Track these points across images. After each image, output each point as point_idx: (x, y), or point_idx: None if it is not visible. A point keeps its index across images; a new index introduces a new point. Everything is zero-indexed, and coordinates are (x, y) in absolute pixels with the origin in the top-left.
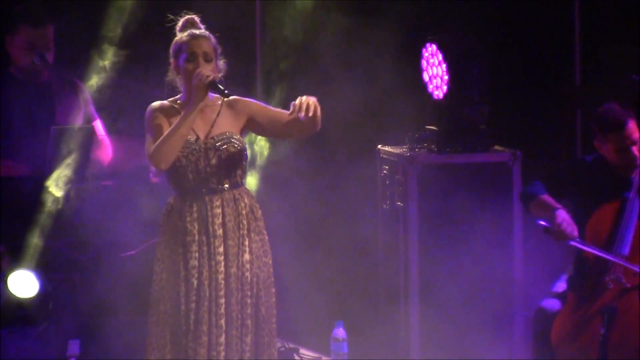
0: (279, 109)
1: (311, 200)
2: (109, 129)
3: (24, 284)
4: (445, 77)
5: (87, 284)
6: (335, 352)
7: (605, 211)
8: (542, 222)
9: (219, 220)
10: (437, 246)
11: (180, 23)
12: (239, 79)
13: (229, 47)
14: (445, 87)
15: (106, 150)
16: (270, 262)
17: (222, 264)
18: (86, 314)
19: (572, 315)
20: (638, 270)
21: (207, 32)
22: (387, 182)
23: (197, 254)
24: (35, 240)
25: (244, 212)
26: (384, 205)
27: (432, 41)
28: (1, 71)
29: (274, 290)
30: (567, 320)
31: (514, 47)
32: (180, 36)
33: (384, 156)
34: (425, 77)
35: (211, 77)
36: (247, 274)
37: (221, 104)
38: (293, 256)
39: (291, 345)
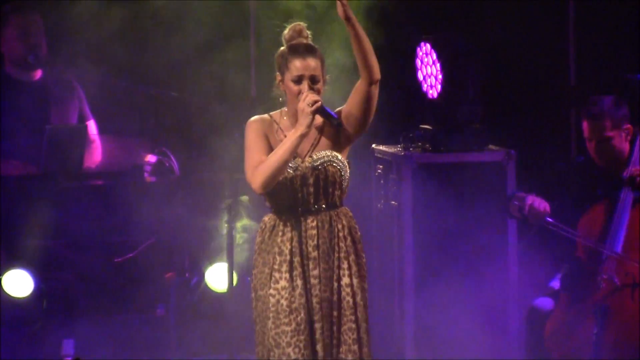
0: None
1: None
2: (106, 128)
3: (18, 283)
4: (440, 76)
5: (81, 283)
6: None
7: (596, 211)
8: (515, 202)
9: (313, 242)
10: (432, 245)
11: (287, 31)
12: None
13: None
14: (439, 86)
15: (97, 151)
16: (367, 286)
17: (317, 287)
18: (81, 314)
19: (565, 314)
20: (630, 260)
21: (314, 47)
22: (382, 182)
23: (287, 275)
24: (29, 240)
25: (340, 234)
26: (379, 205)
27: (426, 40)
28: None
29: (367, 314)
30: (560, 320)
31: (509, 46)
32: (287, 50)
33: (379, 155)
34: (420, 76)
35: (319, 103)
36: (348, 298)
37: (323, 122)
38: None
39: None
